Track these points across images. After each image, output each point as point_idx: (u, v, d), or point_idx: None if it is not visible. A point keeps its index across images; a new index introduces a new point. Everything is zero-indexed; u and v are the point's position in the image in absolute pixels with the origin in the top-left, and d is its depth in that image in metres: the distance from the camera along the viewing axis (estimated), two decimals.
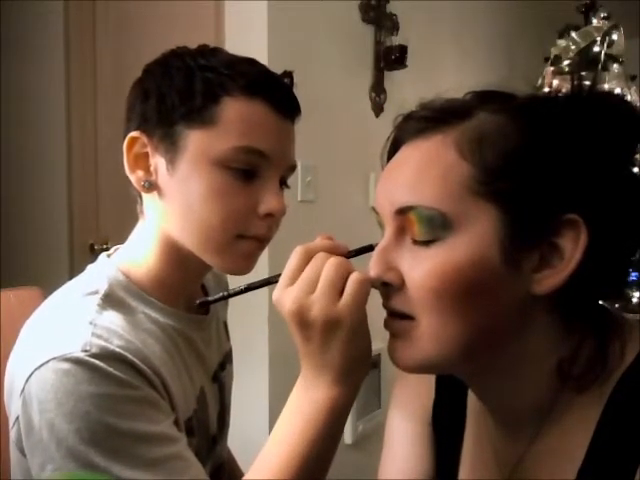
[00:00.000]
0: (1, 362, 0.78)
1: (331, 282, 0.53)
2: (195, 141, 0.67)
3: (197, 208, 0.68)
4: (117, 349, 0.61)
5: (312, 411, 0.57)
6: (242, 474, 0.97)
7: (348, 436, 1.87)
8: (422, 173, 0.50)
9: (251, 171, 0.68)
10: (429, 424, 0.66)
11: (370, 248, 0.57)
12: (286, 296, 0.54)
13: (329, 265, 0.54)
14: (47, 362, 0.59)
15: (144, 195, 0.73)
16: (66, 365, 0.58)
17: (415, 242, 0.50)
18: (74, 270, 2.08)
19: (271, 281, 0.59)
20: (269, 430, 0.59)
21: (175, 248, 0.71)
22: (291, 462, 0.57)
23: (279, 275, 0.56)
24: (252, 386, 1.64)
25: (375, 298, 0.54)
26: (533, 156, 0.48)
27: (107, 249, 0.78)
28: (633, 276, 1.84)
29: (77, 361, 0.58)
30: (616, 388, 0.50)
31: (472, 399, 0.62)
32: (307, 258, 0.55)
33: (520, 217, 0.48)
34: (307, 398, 0.57)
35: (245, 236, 0.70)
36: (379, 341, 0.58)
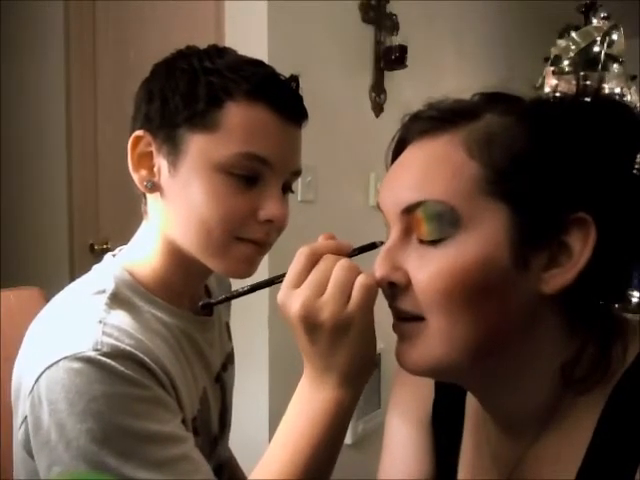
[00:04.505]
0: (1, 362, 0.78)
1: (341, 285, 0.52)
2: (197, 145, 0.67)
3: (197, 211, 0.67)
4: (128, 348, 0.60)
5: (316, 412, 0.56)
6: (243, 474, 0.98)
7: (348, 436, 1.87)
8: (430, 172, 0.50)
9: (253, 177, 0.68)
10: (428, 424, 0.65)
11: (373, 246, 0.56)
12: (293, 298, 0.53)
13: (339, 268, 0.53)
14: (58, 362, 0.58)
15: (148, 195, 0.72)
16: (77, 364, 0.58)
17: (422, 242, 0.50)
18: (74, 270, 2.08)
19: (275, 281, 0.58)
20: (269, 430, 0.59)
21: (177, 249, 0.71)
22: (295, 463, 0.57)
23: (283, 275, 0.55)
24: (252, 386, 1.63)
25: (377, 299, 0.54)
26: (541, 157, 0.48)
27: (107, 249, 0.78)
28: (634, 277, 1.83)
29: (89, 360, 0.58)
30: (615, 389, 0.50)
31: (471, 400, 0.62)
32: (312, 259, 0.54)
33: (529, 216, 0.48)
34: (311, 399, 0.57)
35: (243, 239, 0.69)
36: (380, 341, 0.58)
